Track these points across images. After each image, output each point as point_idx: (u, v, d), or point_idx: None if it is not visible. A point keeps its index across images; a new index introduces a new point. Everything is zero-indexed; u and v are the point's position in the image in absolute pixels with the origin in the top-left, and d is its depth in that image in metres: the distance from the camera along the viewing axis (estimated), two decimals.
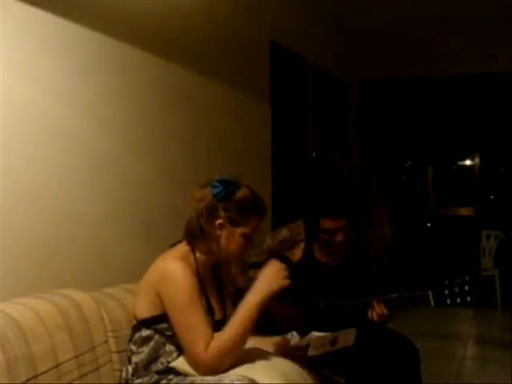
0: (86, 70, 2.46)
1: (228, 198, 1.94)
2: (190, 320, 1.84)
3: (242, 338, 1.84)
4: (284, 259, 2.74)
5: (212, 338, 1.84)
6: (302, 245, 2.73)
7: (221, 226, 1.96)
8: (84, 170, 2.45)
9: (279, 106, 4.76)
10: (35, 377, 1.69)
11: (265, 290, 1.88)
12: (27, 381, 1.66)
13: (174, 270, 1.89)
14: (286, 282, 1.89)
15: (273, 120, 4.65)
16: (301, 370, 1.90)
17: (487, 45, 6.48)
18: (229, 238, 1.97)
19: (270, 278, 1.91)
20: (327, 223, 2.59)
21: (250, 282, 2.42)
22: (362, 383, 2.48)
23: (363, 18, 6.42)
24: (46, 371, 1.73)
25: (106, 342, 2.01)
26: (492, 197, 7.13)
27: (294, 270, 2.70)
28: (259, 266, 2.77)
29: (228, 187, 1.95)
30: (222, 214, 1.95)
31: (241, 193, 1.96)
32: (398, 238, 6.77)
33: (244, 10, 4.07)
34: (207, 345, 1.82)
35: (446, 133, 7.07)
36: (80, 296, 2.01)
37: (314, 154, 5.71)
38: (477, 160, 7.12)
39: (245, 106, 4.13)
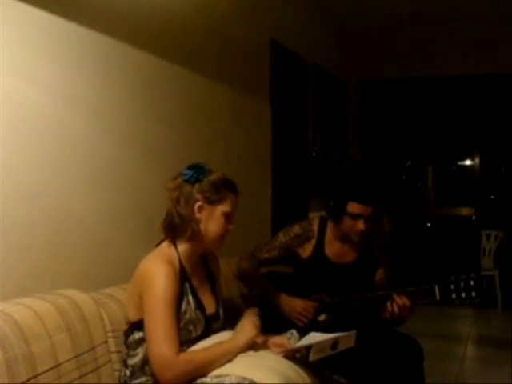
0: (86, 70, 2.47)
1: (200, 179, 1.99)
2: (161, 321, 1.83)
3: (209, 368, 1.83)
4: (292, 256, 2.77)
5: (178, 344, 1.83)
6: (313, 241, 2.75)
7: (200, 208, 1.99)
8: (84, 171, 2.45)
9: (279, 106, 4.77)
10: (35, 377, 1.69)
11: (246, 337, 1.93)
12: (27, 381, 1.66)
13: (154, 271, 1.89)
14: (258, 331, 1.96)
15: (273, 119, 4.65)
16: (300, 370, 1.89)
17: (487, 45, 6.49)
18: (210, 218, 2.00)
19: (249, 327, 1.96)
20: (354, 207, 2.59)
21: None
22: (365, 381, 2.48)
23: (363, 18, 6.42)
24: (46, 371, 1.73)
25: (106, 342, 2.01)
26: (492, 197, 7.12)
27: (302, 266, 2.75)
28: (271, 263, 2.81)
29: (198, 170, 2.01)
30: (198, 196, 1.99)
31: (213, 175, 2.02)
32: (398, 237, 6.77)
33: (244, 9, 4.08)
34: (176, 350, 1.81)
35: (446, 133, 7.07)
36: (80, 296, 2.01)
37: (313, 154, 5.72)
38: (477, 160, 7.11)
39: (245, 106, 4.14)
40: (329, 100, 6.21)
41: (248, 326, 1.97)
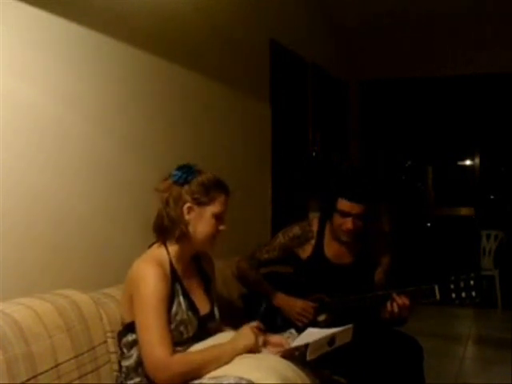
0: (86, 70, 2.47)
1: (189, 180, 1.98)
2: (153, 323, 1.82)
3: (205, 370, 1.82)
4: (292, 256, 2.78)
5: (172, 346, 1.83)
6: (313, 242, 2.75)
7: (189, 210, 1.98)
8: (84, 171, 2.45)
9: (279, 106, 4.77)
10: (35, 377, 1.69)
11: (246, 340, 1.92)
12: (27, 381, 1.66)
13: (144, 272, 1.89)
14: (255, 340, 1.93)
15: (273, 119, 4.65)
16: (298, 370, 1.89)
17: (487, 45, 6.49)
18: (199, 220, 1.99)
19: (249, 332, 1.95)
20: (343, 205, 2.59)
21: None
22: (365, 381, 2.49)
23: (363, 18, 6.42)
24: (46, 371, 1.73)
25: (105, 342, 2.02)
26: (492, 197, 7.12)
27: (301, 266, 2.75)
28: (271, 263, 2.81)
29: (187, 171, 2.00)
30: (187, 197, 1.97)
31: (203, 176, 2.01)
32: (398, 237, 6.77)
33: (244, 9, 4.08)
34: (170, 351, 1.80)
35: (446, 133, 7.07)
36: (79, 296, 2.01)
37: (313, 154, 5.72)
38: (477, 160, 7.12)
39: (245, 106, 4.14)
40: (329, 100, 6.21)
41: (248, 332, 1.95)
